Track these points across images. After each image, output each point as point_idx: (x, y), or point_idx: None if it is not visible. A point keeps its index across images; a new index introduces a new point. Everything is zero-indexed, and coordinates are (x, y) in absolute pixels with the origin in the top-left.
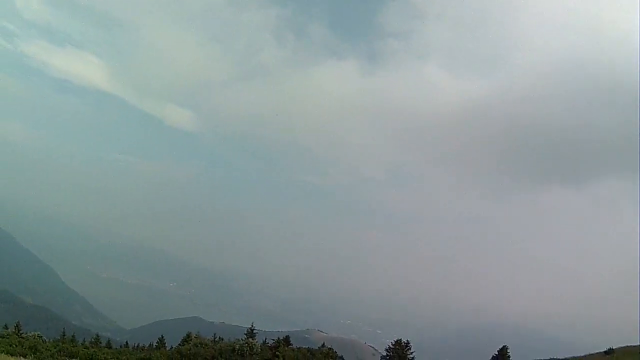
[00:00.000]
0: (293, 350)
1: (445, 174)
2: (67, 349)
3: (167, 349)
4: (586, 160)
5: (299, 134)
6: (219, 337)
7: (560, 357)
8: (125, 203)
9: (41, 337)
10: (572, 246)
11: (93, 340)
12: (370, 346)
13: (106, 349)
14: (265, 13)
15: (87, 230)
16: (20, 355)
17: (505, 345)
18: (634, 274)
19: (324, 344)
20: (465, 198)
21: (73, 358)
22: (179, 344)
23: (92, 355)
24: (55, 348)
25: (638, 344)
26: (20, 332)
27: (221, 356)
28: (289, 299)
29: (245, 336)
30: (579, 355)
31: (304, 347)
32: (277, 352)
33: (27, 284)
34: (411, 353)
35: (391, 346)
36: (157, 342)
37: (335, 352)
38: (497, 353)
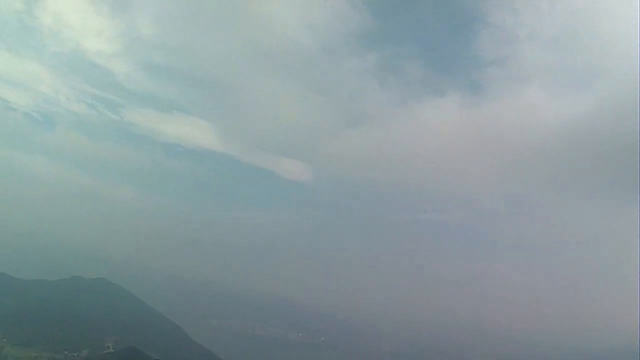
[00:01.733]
0: None
1: (560, 197)
2: None
3: None
4: None
5: (411, 173)
6: None
7: None
8: (246, 256)
9: None
10: None
11: None
12: None
13: None
14: (365, 58)
15: (211, 285)
16: None
17: None
18: None
19: None
20: (585, 221)
21: None
22: None
23: None
24: None
25: None
26: None
27: None
28: (416, 340)
29: None
30: None
31: None
32: None
33: (153, 341)
34: None
35: None
36: None
37: None
38: None
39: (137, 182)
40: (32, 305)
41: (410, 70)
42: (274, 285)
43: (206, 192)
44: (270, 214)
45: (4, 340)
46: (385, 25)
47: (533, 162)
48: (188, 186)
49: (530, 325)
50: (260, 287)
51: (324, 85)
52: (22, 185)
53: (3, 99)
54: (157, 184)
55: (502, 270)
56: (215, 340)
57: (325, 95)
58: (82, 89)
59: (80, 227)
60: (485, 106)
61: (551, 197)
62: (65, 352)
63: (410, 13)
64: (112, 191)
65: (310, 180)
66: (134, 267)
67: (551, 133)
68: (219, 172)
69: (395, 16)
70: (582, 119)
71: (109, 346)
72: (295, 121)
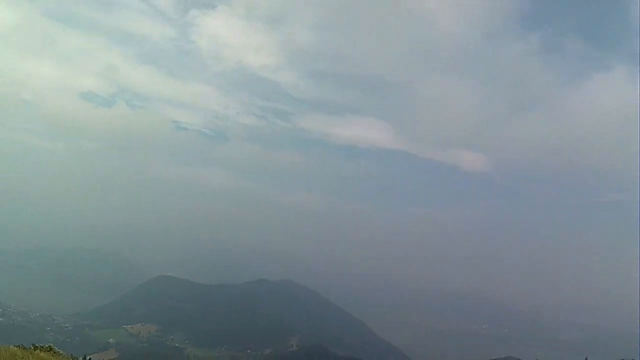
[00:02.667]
0: None
1: None
2: None
3: None
4: None
5: (586, 154)
6: None
7: None
8: (428, 251)
9: None
10: None
11: None
12: None
13: None
14: (526, 41)
15: (394, 282)
16: None
17: None
18: None
19: None
20: None
21: None
22: None
23: None
24: None
25: None
26: None
27: None
28: (595, 326)
29: None
30: None
31: None
32: None
33: (338, 338)
34: None
35: None
36: None
37: None
38: None
39: (315, 185)
40: (216, 308)
41: (572, 47)
42: (457, 279)
43: (385, 190)
44: (451, 207)
45: (187, 341)
46: (541, 3)
47: None
48: (366, 186)
49: None
50: (443, 282)
51: (490, 73)
52: (201, 197)
53: (174, 121)
54: (336, 185)
55: None
56: (399, 336)
57: (493, 83)
58: (251, 102)
59: (264, 232)
60: None
61: None
62: (248, 351)
63: None
64: (291, 195)
65: (489, 169)
66: (319, 268)
67: None
68: (396, 169)
69: None
70: None
71: (293, 344)
72: (467, 112)
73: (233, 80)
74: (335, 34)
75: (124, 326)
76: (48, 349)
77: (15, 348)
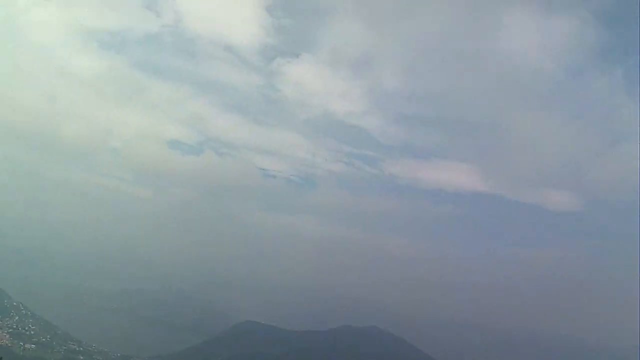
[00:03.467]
0: None
1: None
2: None
3: None
4: None
5: None
6: None
7: None
8: (517, 295)
9: None
10: None
11: None
12: None
13: None
14: (611, 73)
15: (482, 328)
16: None
17: None
18: None
19: None
20: None
21: None
22: None
23: None
24: None
25: None
26: None
27: None
28: None
29: None
30: None
31: None
32: None
33: None
34: None
35: None
36: None
37: None
38: None
39: (402, 230)
40: (300, 354)
41: None
42: (549, 323)
43: (472, 234)
44: (540, 249)
45: None
46: (622, 35)
47: None
48: (452, 229)
49: None
50: (530, 326)
51: (577, 108)
52: (289, 244)
53: (262, 168)
54: (424, 230)
55: None
56: None
57: (581, 118)
58: (338, 149)
59: (350, 277)
60: None
61: None
62: None
63: None
64: (378, 241)
65: (579, 209)
66: (405, 313)
67: None
68: (483, 212)
69: (629, 24)
70: None
71: None
72: (556, 150)
73: (319, 127)
74: (420, 77)
75: None
76: None
77: None
